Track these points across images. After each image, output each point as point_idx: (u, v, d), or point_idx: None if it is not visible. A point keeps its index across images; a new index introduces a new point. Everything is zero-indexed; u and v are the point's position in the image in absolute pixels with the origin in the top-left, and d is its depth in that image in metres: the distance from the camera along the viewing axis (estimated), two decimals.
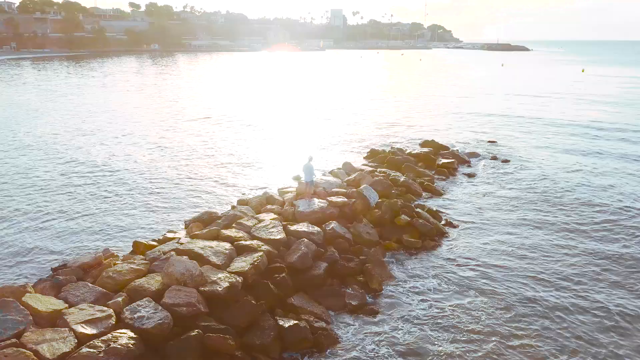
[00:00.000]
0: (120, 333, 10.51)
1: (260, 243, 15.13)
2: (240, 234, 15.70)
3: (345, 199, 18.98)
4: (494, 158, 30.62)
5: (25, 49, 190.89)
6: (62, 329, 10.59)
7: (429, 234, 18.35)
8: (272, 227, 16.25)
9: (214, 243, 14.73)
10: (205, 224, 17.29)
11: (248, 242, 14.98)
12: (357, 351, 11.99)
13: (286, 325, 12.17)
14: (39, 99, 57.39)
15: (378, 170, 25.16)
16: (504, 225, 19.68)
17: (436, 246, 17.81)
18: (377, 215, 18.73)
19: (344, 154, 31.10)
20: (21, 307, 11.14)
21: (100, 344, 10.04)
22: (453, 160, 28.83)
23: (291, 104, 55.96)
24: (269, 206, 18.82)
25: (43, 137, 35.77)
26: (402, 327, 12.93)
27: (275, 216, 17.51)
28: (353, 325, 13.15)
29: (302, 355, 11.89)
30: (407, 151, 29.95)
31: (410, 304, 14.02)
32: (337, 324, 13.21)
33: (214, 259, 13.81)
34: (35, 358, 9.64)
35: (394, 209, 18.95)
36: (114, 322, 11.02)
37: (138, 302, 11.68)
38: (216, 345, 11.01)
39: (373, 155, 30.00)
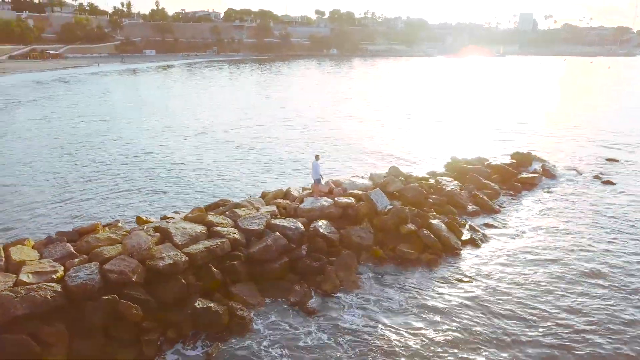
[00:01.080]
0: (48, 286, 12.29)
1: (234, 231, 15.90)
2: (225, 221, 16.64)
3: (352, 201, 18.63)
4: (596, 177, 26.50)
5: (224, 53, 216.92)
6: (12, 274, 12.76)
7: (432, 248, 17.10)
8: (258, 218, 16.86)
9: (192, 225, 15.92)
10: (211, 209, 18.62)
11: (221, 229, 15.86)
12: (255, 344, 12.09)
13: (201, 307, 12.79)
14: (221, 93, 65.64)
15: (441, 178, 23.91)
16: (537, 263, 16.80)
17: (434, 262, 16.47)
18: (382, 220, 18.02)
19: (432, 160, 30.10)
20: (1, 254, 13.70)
21: (22, 290, 11.92)
22: (536, 175, 25.79)
23: (426, 108, 54.84)
24: (279, 200, 19.40)
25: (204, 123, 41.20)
26: (313, 334, 12.55)
27: (274, 209, 18.05)
28: (275, 320, 13.17)
29: (208, 337, 12.41)
30: (488, 162, 27.61)
31: (342, 317, 13.32)
32: (263, 316, 13.36)
33: (177, 238, 14.98)
34: None
35: (400, 215, 18.01)
36: (56, 277, 12.87)
37: (86, 265, 13.42)
38: (123, 311, 12.17)
39: (453, 163, 28.32)
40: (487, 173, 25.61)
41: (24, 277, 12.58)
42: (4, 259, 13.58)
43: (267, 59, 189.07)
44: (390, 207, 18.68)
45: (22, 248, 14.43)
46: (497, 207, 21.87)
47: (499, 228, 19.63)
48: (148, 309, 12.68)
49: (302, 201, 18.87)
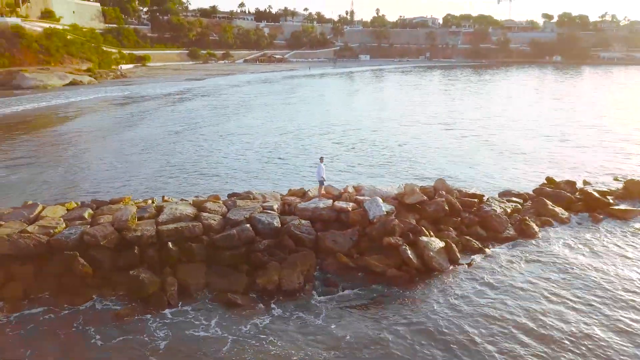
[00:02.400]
0: (38, 237, 15.64)
1: (216, 218, 17.46)
2: (219, 208, 18.28)
3: (349, 206, 18.40)
4: None
5: (436, 58, 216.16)
6: (26, 225, 16.50)
7: (407, 264, 16.10)
8: (248, 210, 18.06)
9: (186, 208, 17.98)
10: (234, 196, 20.40)
11: (206, 214, 17.57)
12: (152, 322, 13.58)
13: (133, 274, 14.73)
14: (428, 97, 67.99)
15: (495, 199, 21.83)
16: (522, 309, 14.46)
17: (400, 279, 15.56)
18: (370, 229, 17.49)
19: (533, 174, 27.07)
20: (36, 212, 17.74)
21: (16, 235, 15.46)
22: (631, 209, 21.26)
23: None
24: (292, 197, 20.18)
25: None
26: (211, 327, 13.37)
27: (278, 205, 18.97)
28: (192, 303, 14.36)
29: (131, 300, 14.30)
30: (580, 187, 23.70)
31: (249, 317, 13.77)
32: (188, 297, 14.64)
33: (162, 217, 17.19)
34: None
35: (386, 227, 17.22)
36: (52, 232, 16.19)
37: (77, 226, 16.53)
38: (75, 266, 14.82)
39: (548, 182, 25.00)
40: (569, 198, 22.15)
41: (29, 228, 16.23)
42: (35, 213, 17.56)
43: (481, 65, 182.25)
44: (383, 214, 17.94)
45: (57, 208, 18.35)
46: (543, 234, 18.97)
47: (516, 258, 17.16)
48: (100, 269, 15.18)
49: (306, 200, 19.40)
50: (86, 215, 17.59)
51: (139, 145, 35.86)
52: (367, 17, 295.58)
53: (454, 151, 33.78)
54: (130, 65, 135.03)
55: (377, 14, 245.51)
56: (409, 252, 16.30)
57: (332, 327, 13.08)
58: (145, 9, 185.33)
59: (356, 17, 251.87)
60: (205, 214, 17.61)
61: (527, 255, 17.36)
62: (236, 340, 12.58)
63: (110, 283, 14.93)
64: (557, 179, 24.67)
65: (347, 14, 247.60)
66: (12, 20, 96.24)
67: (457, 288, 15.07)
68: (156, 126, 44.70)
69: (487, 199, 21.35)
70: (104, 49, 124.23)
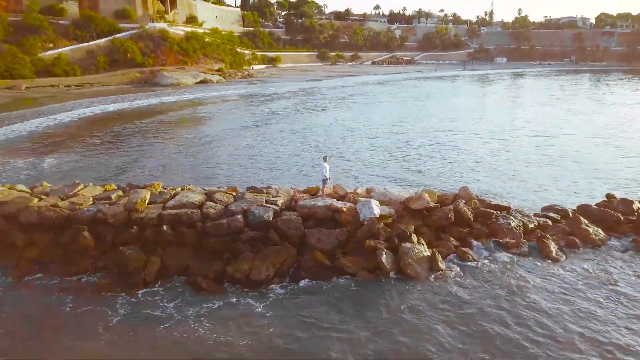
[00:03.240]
0: (63, 210, 18.10)
1: (217, 207, 18.63)
2: (227, 199, 19.42)
3: (345, 206, 18.37)
4: None
5: (582, 62, 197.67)
6: (61, 200, 19.15)
7: (381, 269, 15.81)
8: (248, 203, 18.94)
9: (197, 196, 19.40)
10: (249, 189, 21.45)
11: (210, 204, 18.80)
12: (124, 297, 15.08)
13: (122, 250, 16.42)
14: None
15: (548, 213, 20.29)
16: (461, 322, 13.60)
17: (365, 282, 15.37)
18: (359, 230, 17.38)
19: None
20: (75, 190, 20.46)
21: (44, 208, 18.07)
22: None
23: None
24: (301, 195, 20.61)
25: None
26: (169, 309, 14.49)
27: (284, 200, 19.59)
28: (167, 283, 15.64)
29: (116, 274, 15.99)
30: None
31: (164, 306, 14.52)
32: (164, 278, 15.94)
33: (170, 202, 18.81)
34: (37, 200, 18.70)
35: (371, 230, 16.98)
36: (77, 208, 18.58)
37: (98, 205, 18.77)
38: (79, 238, 16.94)
39: (608, 199, 22.36)
40: (616, 218, 19.70)
41: (60, 203, 18.87)
42: (74, 191, 20.27)
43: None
44: (378, 216, 17.66)
45: (95, 188, 20.92)
46: (553, 253, 17.21)
47: (505, 276, 15.82)
48: (102, 244, 17.17)
49: (311, 197, 19.75)
50: (114, 196, 19.84)
51: (211, 137, 38.76)
52: (508, 18, 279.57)
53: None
54: (262, 66, 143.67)
55: (519, 14, 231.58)
56: (384, 256, 15.95)
57: (266, 319, 13.46)
58: (283, 13, 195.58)
59: (496, 18, 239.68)
60: (209, 203, 18.87)
61: (520, 274, 15.89)
62: (180, 320, 13.54)
63: (105, 257, 16.83)
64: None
65: (485, 15, 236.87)
66: (160, 25, 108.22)
67: (417, 298, 14.44)
68: (238, 121, 47.70)
69: (512, 211, 19.76)
70: (238, 50, 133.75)
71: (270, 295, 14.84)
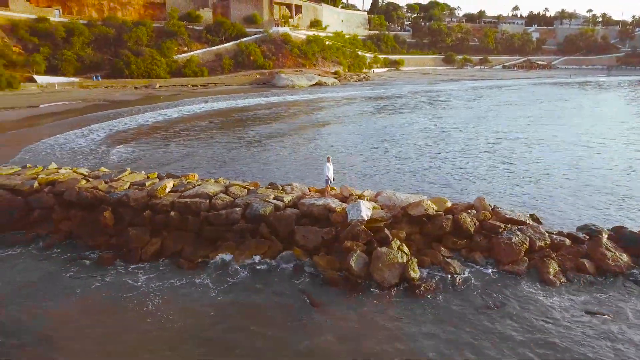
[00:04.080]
0: (100, 193, 20.69)
1: (225, 199, 19.90)
2: (238, 192, 20.60)
3: (339, 207, 18.49)
4: None
5: None
6: (104, 184, 21.84)
7: (348, 271, 15.83)
8: (256, 198, 19.95)
9: (215, 188, 20.87)
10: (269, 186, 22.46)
11: (222, 196, 20.12)
12: (123, 271, 16.98)
13: (129, 230, 18.38)
14: None
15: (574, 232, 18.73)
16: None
17: (329, 281, 15.52)
18: (343, 231, 17.48)
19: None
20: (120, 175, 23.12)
21: (84, 188, 20.78)
22: None
23: None
24: (312, 193, 21.06)
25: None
26: (144, 283, 16.02)
27: (290, 198, 20.28)
28: (161, 264, 17.26)
29: (121, 253, 18.01)
30: None
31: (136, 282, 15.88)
32: (154, 261, 17.58)
33: (188, 192, 20.51)
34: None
35: (352, 232, 16.95)
36: (112, 190, 21.10)
37: (127, 190, 21.09)
38: (101, 218, 19.26)
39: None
40: None
41: (100, 185, 21.54)
42: (119, 176, 22.94)
43: None
44: (365, 219, 17.57)
45: (139, 175, 23.44)
46: (551, 276, 15.73)
47: (474, 295, 14.89)
48: (120, 224, 19.36)
49: (319, 197, 20.15)
50: (148, 183, 22.12)
51: (278, 132, 40.39)
52: None
53: None
54: (384, 69, 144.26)
55: None
56: (353, 258, 15.92)
57: (206, 299, 14.44)
58: (414, 16, 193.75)
59: None
60: (221, 195, 20.20)
61: (494, 294, 14.83)
62: (144, 292, 15.04)
63: (117, 235, 18.98)
64: None
65: None
66: (283, 29, 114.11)
67: (357, 304, 14.29)
68: (314, 120, 48.86)
69: (527, 227, 18.27)
70: (359, 53, 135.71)
71: (232, 279, 15.69)
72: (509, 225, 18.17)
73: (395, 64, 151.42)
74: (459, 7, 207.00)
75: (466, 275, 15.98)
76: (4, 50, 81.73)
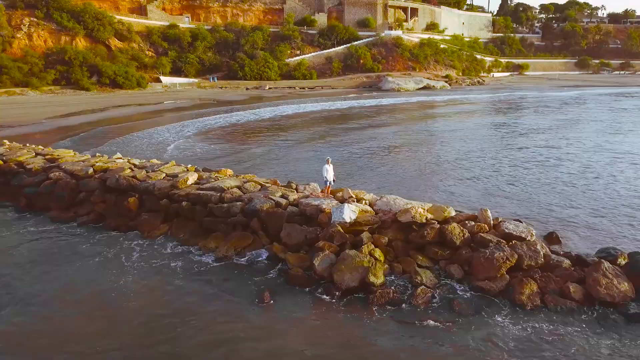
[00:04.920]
0: (132, 180, 23.08)
1: (235, 193, 21.11)
2: (251, 188, 21.69)
3: (328, 208, 18.69)
4: None
5: None
6: (143, 172, 24.28)
7: (311, 269, 16.14)
8: (263, 194, 20.90)
9: (233, 182, 22.21)
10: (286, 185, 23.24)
11: (234, 190, 21.36)
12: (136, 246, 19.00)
13: (143, 215, 20.34)
14: None
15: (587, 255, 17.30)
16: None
17: (288, 277, 15.95)
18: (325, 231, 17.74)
19: None
20: (161, 167, 25.45)
21: (121, 176, 23.31)
22: None
23: None
24: (318, 194, 21.40)
25: None
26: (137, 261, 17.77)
27: (295, 197, 20.84)
28: (162, 244, 18.98)
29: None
30: None
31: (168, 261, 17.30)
32: (162, 242, 19.31)
33: (206, 184, 22.08)
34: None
35: (329, 232, 17.12)
36: (147, 179, 23.39)
37: (151, 179, 23.21)
38: (125, 202, 21.53)
39: None
40: None
41: (139, 174, 23.97)
42: (160, 168, 25.30)
43: None
44: (347, 221, 17.62)
45: (177, 168, 25.60)
46: (524, 298, 14.58)
47: (437, 305, 14.30)
48: (141, 208, 21.51)
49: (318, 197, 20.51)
50: (180, 175, 24.17)
51: (361, 138, 40.70)
52: None
53: None
54: (505, 74, 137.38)
55: None
56: (318, 257, 16.14)
57: (160, 283, 15.65)
58: (546, 16, 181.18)
59: None
60: (234, 190, 21.44)
61: (445, 310, 14.12)
62: (129, 265, 16.83)
63: (136, 216, 21.10)
64: None
65: None
66: (395, 33, 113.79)
67: (311, 304, 14.47)
68: (395, 126, 48.16)
69: (523, 244, 16.93)
70: (477, 57, 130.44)
71: (200, 267, 16.80)
72: (503, 240, 16.99)
73: (519, 68, 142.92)
74: (603, 6, 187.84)
75: (431, 287, 15.38)
76: (139, 54, 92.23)
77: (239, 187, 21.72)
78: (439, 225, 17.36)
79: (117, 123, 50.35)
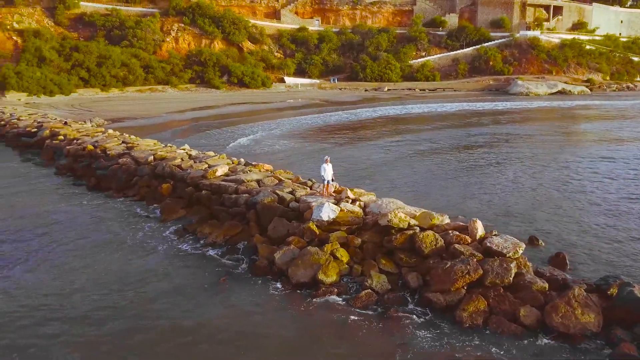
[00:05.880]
0: (176, 168, 25.53)
1: (252, 186, 22.34)
2: (268, 182, 22.74)
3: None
4: None
5: None
6: (198, 164, 26.69)
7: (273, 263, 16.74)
8: (266, 190, 21.82)
9: (256, 177, 23.52)
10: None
11: (253, 183, 22.62)
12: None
13: (168, 199, 22.53)
14: None
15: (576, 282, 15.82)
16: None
17: (252, 267, 16.74)
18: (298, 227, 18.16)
19: None
20: (207, 159, 27.65)
21: (175, 166, 25.88)
22: None
23: None
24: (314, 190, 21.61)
25: None
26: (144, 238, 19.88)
27: (304, 193, 21.41)
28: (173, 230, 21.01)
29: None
30: None
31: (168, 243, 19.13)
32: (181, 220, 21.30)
33: (230, 177, 23.65)
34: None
35: (299, 229, 17.51)
36: (189, 169, 25.67)
37: (196, 169, 25.34)
38: (159, 188, 23.98)
39: None
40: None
41: (183, 164, 26.41)
42: (206, 160, 27.52)
43: None
44: (325, 220, 17.83)
45: (222, 159, 27.59)
46: (469, 320, 13.62)
47: (368, 312, 14.03)
48: (174, 194, 23.80)
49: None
50: (220, 167, 26.11)
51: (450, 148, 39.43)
52: None
53: None
54: None
55: None
56: (279, 251, 16.69)
57: (161, 263, 17.32)
58: None
59: None
60: (251, 183, 22.67)
61: (372, 316, 13.73)
62: (136, 243, 18.97)
63: (173, 199, 23.39)
64: None
65: None
66: (532, 33, 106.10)
67: (257, 294, 15.08)
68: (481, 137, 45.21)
69: (498, 260, 15.61)
70: (635, 59, 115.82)
71: (180, 253, 18.23)
72: (478, 254, 15.84)
73: None
74: None
75: (380, 292, 15.04)
76: (268, 55, 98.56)
77: (258, 181, 22.89)
78: (411, 232, 16.78)
79: (220, 118, 54.88)
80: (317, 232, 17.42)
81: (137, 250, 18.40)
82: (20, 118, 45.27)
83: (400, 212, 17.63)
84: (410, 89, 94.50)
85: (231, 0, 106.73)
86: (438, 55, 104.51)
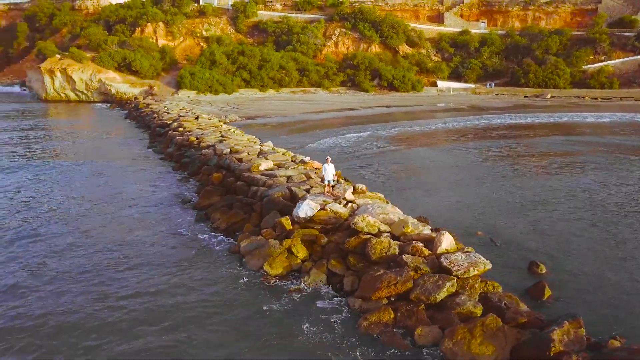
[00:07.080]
0: (236, 161, 28.08)
1: (279, 181, 23.66)
2: (296, 179, 23.80)
3: None
4: None
5: None
6: (254, 159, 29.04)
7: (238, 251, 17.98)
8: (282, 185, 22.84)
9: (290, 174, 24.77)
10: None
11: (281, 179, 23.92)
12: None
13: (208, 189, 25.13)
14: None
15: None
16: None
17: (221, 251, 18.17)
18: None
19: None
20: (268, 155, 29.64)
21: (236, 158, 28.53)
22: None
23: None
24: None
25: None
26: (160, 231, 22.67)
27: (317, 192, 22.05)
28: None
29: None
30: None
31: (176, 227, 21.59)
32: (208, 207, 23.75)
33: (269, 172, 25.26)
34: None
35: (273, 223, 18.32)
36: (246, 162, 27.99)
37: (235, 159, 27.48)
38: (210, 177, 26.72)
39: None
40: None
41: (245, 157, 28.85)
42: (267, 155, 29.53)
43: None
44: (302, 217, 18.40)
45: (281, 156, 29.30)
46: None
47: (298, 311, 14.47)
48: (223, 181, 26.33)
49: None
50: (265, 162, 27.74)
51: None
52: None
53: None
54: None
55: None
56: (245, 240, 17.87)
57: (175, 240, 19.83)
58: None
59: None
60: (280, 178, 23.97)
61: (285, 314, 14.02)
62: (161, 218, 22.00)
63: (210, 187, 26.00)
64: None
65: None
66: None
67: (214, 275, 16.52)
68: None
69: (448, 277, 14.54)
70: None
71: (179, 237, 20.26)
72: (424, 268, 15.00)
73: None
74: None
75: (308, 290, 15.33)
76: (424, 59, 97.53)
77: (288, 177, 24.13)
78: (366, 237, 16.55)
79: (343, 122, 56.64)
80: (287, 227, 18.11)
81: (152, 225, 21.28)
82: (169, 112, 53.02)
83: (368, 217, 17.39)
84: (578, 97, 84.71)
85: (394, 5, 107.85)
86: (621, 60, 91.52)
